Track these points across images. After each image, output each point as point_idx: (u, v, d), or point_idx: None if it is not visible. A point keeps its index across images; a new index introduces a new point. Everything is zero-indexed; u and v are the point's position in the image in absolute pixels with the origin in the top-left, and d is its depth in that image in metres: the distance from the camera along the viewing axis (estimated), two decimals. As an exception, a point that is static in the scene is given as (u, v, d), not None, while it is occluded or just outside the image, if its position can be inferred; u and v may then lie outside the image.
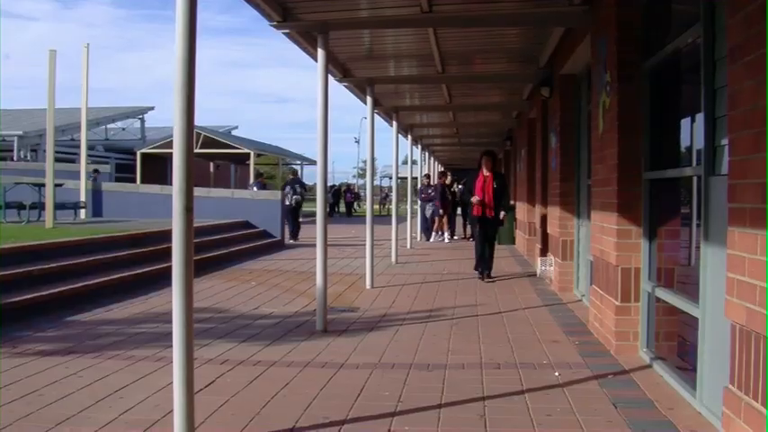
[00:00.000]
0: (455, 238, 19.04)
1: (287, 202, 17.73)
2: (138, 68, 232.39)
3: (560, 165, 9.09)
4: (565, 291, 8.94)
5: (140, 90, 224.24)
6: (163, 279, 9.13)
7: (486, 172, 10.47)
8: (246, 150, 30.79)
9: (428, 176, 19.45)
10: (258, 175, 22.38)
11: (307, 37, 7.77)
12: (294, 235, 17.89)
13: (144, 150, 29.64)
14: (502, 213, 10.65)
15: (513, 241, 16.61)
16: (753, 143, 3.08)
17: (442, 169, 24.83)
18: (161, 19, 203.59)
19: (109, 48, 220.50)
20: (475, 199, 10.37)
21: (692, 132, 4.86)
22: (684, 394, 4.39)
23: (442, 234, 18.81)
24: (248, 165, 32.46)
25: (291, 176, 19.79)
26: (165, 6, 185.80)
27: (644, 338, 5.49)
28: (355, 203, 41.39)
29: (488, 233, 10.66)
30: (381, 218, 21.77)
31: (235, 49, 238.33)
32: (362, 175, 49.08)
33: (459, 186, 18.67)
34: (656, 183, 5.43)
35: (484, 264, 10.56)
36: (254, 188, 19.46)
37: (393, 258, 13.08)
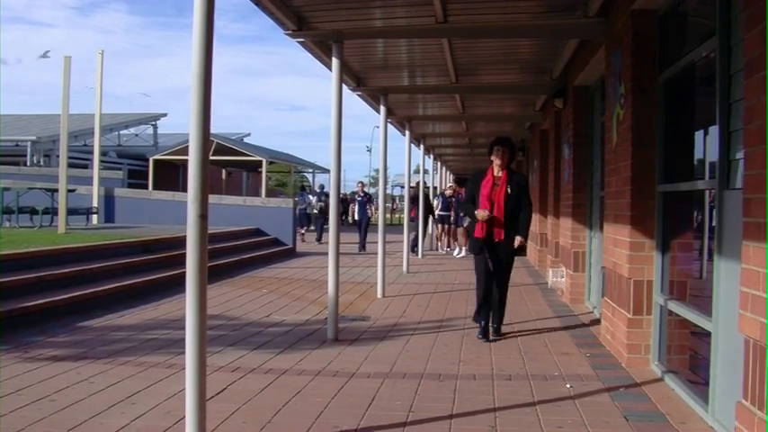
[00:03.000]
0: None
1: (315, 210, 22.26)
2: (152, 75, 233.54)
3: (573, 176, 9.08)
4: (576, 302, 8.91)
5: (153, 96, 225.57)
6: (174, 286, 9.18)
7: (497, 171, 6.69)
8: (259, 158, 30.86)
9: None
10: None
11: (321, 46, 7.80)
12: (319, 238, 20.97)
13: (156, 157, 29.76)
14: (517, 239, 6.60)
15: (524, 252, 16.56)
16: (769, 157, 3.07)
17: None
18: (176, 26, 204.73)
19: (123, 54, 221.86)
20: (479, 213, 6.56)
21: (705, 145, 4.84)
22: (696, 408, 4.36)
23: (454, 247, 18.69)
24: (260, 172, 32.58)
25: (318, 189, 24.76)
26: (180, 14, 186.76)
27: (656, 351, 5.46)
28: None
29: (498, 266, 6.69)
30: (391, 227, 21.79)
31: (248, 56, 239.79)
32: (374, 184, 49.05)
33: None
34: (670, 195, 5.42)
35: (487, 312, 6.73)
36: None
37: (404, 268, 13.08)
